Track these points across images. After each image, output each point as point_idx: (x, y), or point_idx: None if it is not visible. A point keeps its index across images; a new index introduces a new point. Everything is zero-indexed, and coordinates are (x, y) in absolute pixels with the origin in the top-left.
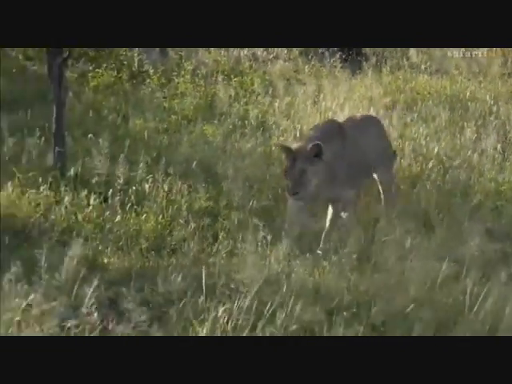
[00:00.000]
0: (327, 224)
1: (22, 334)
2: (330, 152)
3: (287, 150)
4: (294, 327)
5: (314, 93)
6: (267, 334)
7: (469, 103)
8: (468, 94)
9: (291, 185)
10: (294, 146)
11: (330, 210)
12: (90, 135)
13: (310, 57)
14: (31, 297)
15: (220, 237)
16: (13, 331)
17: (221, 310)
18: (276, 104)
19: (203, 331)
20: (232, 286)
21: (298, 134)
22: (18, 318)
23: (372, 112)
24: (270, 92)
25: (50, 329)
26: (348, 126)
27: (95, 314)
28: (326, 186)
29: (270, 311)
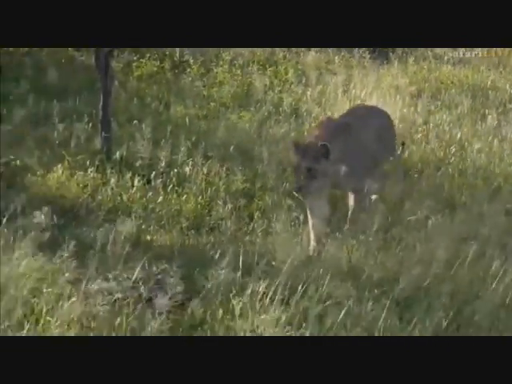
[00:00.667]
0: (350, 208)
1: (72, 310)
2: (338, 149)
3: (297, 147)
4: (328, 303)
5: (344, 82)
6: (300, 309)
7: (489, 92)
8: (489, 83)
9: (296, 182)
10: (303, 144)
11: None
12: (134, 121)
13: (340, 48)
14: (80, 272)
15: (255, 216)
16: (62, 305)
17: (259, 286)
18: (308, 92)
19: (239, 305)
20: (267, 264)
21: None
22: (67, 293)
23: (398, 100)
24: (303, 81)
25: (97, 302)
26: (352, 119)
27: (140, 288)
28: (345, 179)
29: (304, 287)
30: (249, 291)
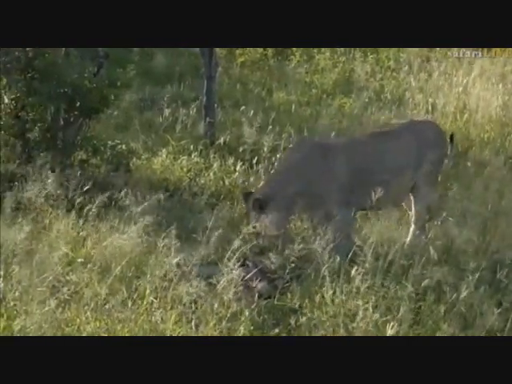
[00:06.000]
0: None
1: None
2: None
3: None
4: (425, 282)
5: (446, 69)
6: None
7: None
8: None
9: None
10: (251, 198)
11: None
12: (241, 108)
13: None
14: (182, 254)
15: None
16: (164, 287)
17: (354, 270)
18: (411, 79)
19: (332, 288)
20: (365, 249)
21: (430, 108)
22: (170, 275)
23: (500, 87)
24: (405, 69)
25: (198, 285)
26: (353, 142)
27: (237, 271)
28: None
29: (402, 272)
30: (345, 277)
